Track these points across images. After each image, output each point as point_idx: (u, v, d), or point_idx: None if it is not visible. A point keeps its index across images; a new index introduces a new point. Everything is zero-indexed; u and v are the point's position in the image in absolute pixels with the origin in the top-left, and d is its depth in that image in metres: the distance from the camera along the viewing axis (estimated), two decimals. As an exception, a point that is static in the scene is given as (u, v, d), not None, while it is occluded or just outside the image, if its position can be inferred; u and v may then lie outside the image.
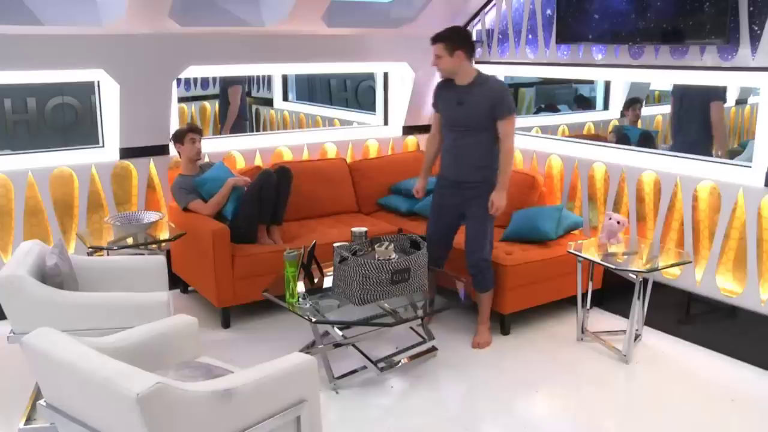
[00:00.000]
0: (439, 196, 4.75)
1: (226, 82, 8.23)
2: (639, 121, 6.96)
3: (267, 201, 5.09)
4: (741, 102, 8.17)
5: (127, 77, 5.19)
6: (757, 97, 4.66)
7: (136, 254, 4.69)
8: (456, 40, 4.41)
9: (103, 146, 5.50)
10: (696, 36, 4.54)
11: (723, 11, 4.36)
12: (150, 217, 5.05)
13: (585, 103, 8.67)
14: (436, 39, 4.43)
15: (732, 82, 5.83)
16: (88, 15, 4.76)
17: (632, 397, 4.28)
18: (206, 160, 5.43)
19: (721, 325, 4.76)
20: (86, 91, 7.34)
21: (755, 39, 4.34)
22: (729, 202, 4.58)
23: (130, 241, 4.83)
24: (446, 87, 4.60)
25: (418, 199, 5.18)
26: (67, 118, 7.95)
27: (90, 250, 4.69)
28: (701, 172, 4.78)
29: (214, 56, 5.61)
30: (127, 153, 5.45)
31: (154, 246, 4.95)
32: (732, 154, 6.63)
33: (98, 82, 5.32)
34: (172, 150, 5.61)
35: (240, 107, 8.23)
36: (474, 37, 6.32)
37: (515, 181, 5.61)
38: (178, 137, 5.24)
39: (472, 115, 4.44)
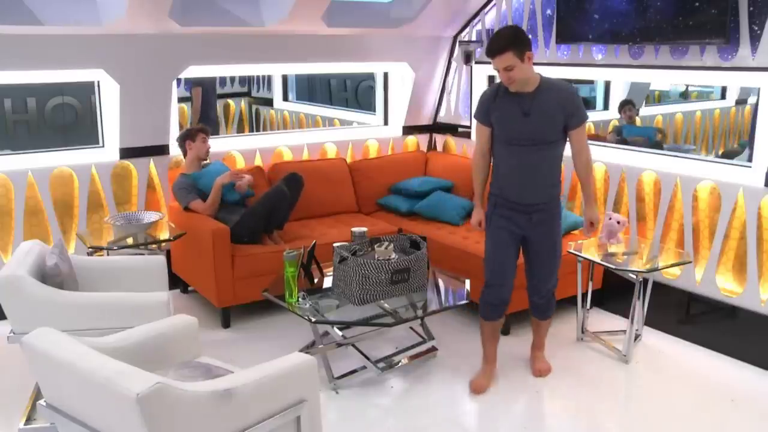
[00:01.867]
0: (498, 223, 4.02)
1: (192, 84, 8.17)
2: (633, 121, 6.97)
3: (275, 217, 5.10)
4: (741, 102, 8.18)
5: (127, 77, 5.20)
6: (756, 98, 4.65)
7: (136, 254, 4.70)
8: (523, 41, 3.71)
9: (103, 146, 5.50)
10: (696, 36, 4.54)
11: (723, 11, 4.36)
12: (150, 217, 5.05)
13: (585, 103, 8.66)
14: (502, 48, 3.65)
15: (732, 82, 5.83)
16: (88, 15, 4.76)
17: (632, 397, 4.28)
18: (208, 160, 5.43)
19: (721, 325, 4.76)
20: (86, 91, 7.34)
21: (755, 39, 4.34)
22: (729, 202, 4.58)
23: (130, 241, 4.83)
24: (503, 96, 3.87)
25: (468, 221, 4.54)
26: (67, 118, 7.95)
27: (90, 250, 4.70)
28: (701, 172, 4.78)
29: (214, 56, 5.61)
30: (127, 153, 5.45)
31: (154, 246, 4.95)
32: (731, 154, 6.63)
33: (98, 82, 5.32)
34: (172, 150, 5.62)
35: (203, 109, 8.12)
36: (474, 38, 6.34)
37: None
38: (192, 135, 5.25)
39: (542, 128, 3.82)
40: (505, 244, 4.02)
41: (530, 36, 5.76)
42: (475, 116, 4.08)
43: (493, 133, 3.98)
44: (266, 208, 5.05)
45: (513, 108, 3.82)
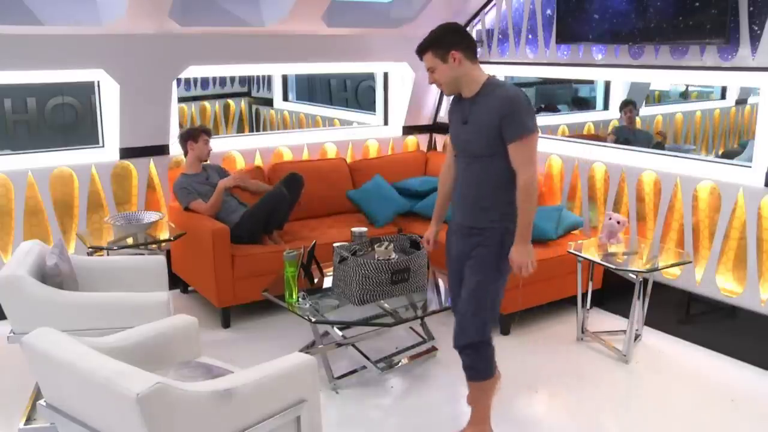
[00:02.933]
0: (447, 244, 3.63)
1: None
2: (634, 122, 6.97)
3: (275, 219, 5.10)
4: (741, 102, 8.18)
5: (127, 77, 5.19)
6: (756, 97, 4.66)
7: (136, 254, 4.70)
8: (446, 39, 3.30)
9: (103, 146, 5.50)
10: (696, 36, 4.54)
11: (723, 11, 4.35)
12: (150, 217, 5.05)
13: (581, 104, 8.68)
14: (421, 49, 3.33)
15: (732, 82, 5.83)
16: (88, 15, 4.77)
17: (632, 397, 4.28)
18: (208, 161, 5.42)
19: (721, 325, 4.76)
20: (86, 91, 7.35)
21: (755, 39, 4.34)
22: (729, 202, 4.58)
23: (130, 241, 4.83)
24: (455, 103, 3.46)
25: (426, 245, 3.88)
26: (67, 118, 7.95)
27: (90, 250, 4.70)
28: (701, 172, 4.77)
29: (214, 56, 5.61)
30: (127, 153, 5.45)
31: (154, 246, 4.95)
32: (732, 155, 6.63)
33: (98, 82, 5.32)
34: (173, 150, 5.62)
35: None
36: (474, 38, 6.33)
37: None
38: (194, 135, 5.25)
39: (475, 138, 3.29)
40: (450, 269, 3.61)
41: (530, 36, 5.80)
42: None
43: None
44: (265, 210, 5.06)
45: (456, 115, 3.41)
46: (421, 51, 3.34)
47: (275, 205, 5.08)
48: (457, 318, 3.44)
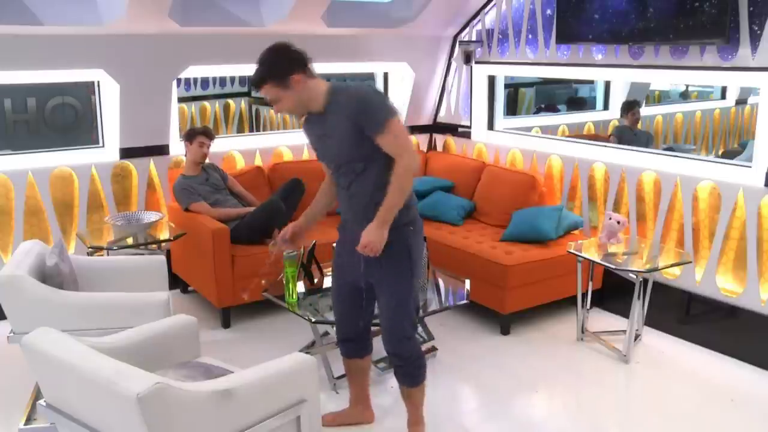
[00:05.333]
0: (338, 258, 3.50)
1: None
2: (639, 122, 6.97)
3: (270, 228, 5.09)
4: (741, 102, 8.18)
5: (127, 77, 5.20)
6: (756, 97, 4.66)
7: (136, 254, 4.70)
8: (281, 66, 3.12)
9: (103, 146, 5.50)
10: (696, 36, 4.54)
11: (723, 11, 4.35)
12: (150, 217, 5.05)
13: (578, 105, 8.68)
14: (257, 82, 3.12)
15: (732, 82, 5.83)
16: (88, 15, 4.77)
17: (632, 397, 4.28)
18: (207, 161, 5.41)
19: (721, 325, 4.76)
20: (86, 91, 7.34)
21: (755, 39, 4.34)
22: (729, 202, 4.58)
23: (130, 241, 4.83)
24: (308, 123, 3.29)
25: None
26: (67, 118, 7.95)
27: (90, 250, 4.70)
28: (701, 172, 4.77)
29: (214, 56, 5.61)
30: (127, 153, 5.45)
31: (154, 246, 4.95)
32: (732, 155, 6.63)
33: (98, 82, 5.32)
34: (173, 150, 5.62)
35: None
36: (474, 38, 6.34)
37: (515, 181, 5.66)
38: (189, 136, 5.24)
39: (341, 149, 3.15)
40: (339, 285, 3.51)
41: (530, 36, 5.80)
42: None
43: None
44: (260, 220, 5.06)
45: (314, 134, 3.27)
46: (258, 84, 3.11)
47: (271, 215, 5.08)
48: (383, 322, 3.36)
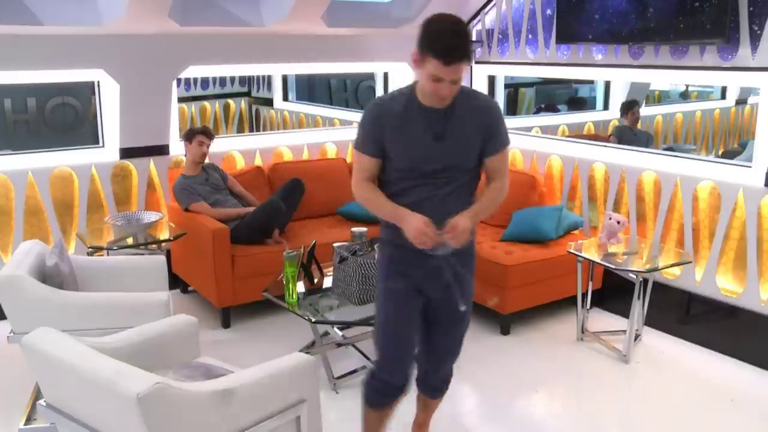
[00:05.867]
0: (397, 283, 2.95)
1: None
2: (639, 122, 6.97)
3: (270, 228, 5.10)
4: (741, 102, 8.18)
5: (127, 77, 5.20)
6: (756, 97, 4.66)
7: (136, 254, 4.70)
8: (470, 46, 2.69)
9: (103, 146, 5.50)
10: (696, 36, 4.54)
11: (723, 11, 4.35)
12: (150, 217, 5.05)
13: (578, 105, 8.69)
14: (462, 58, 2.58)
15: (732, 82, 5.83)
16: (88, 15, 4.77)
17: (632, 397, 4.28)
18: (207, 161, 5.41)
19: (721, 325, 4.76)
20: (86, 91, 7.35)
21: (755, 39, 4.34)
22: (729, 202, 4.58)
23: (130, 241, 4.84)
24: (403, 115, 2.78)
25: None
26: (67, 118, 7.95)
27: (90, 250, 4.70)
28: (701, 172, 4.77)
29: (214, 56, 5.61)
30: (127, 153, 5.45)
31: (154, 246, 4.95)
32: (732, 155, 6.62)
33: (98, 82, 5.33)
34: (173, 150, 5.62)
35: None
36: (474, 38, 6.34)
37: (515, 181, 5.63)
38: (189, 136, 5.24)
39: (459, 155, 2.81)
40: (398, 309, 2.97)
41: (530, 36, 5.80)
42: (360, 143, 2.84)
43: (386, 161, 2.84)
44: (260, 220, 5.06)
45: (419, 129, 2.77)
46: (461, 59, 2.59)
47: (270, 216, 5.08)
48: (449, 342, 3.13)
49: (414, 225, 2.67)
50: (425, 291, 2.94)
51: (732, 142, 8.29)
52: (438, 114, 2.76)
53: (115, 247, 4.68)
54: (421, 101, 2.76)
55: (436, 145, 2.77)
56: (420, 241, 2.66)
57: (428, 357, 3.17)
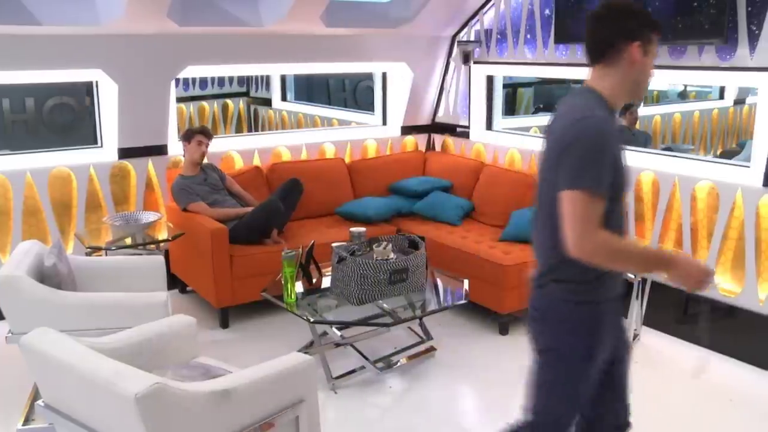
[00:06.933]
0: (604, 350, 2.59)
1: None
2: (637, 122, 6.97)
3: (269, 228, 5.09)
4: (739, 102, 8.18)
5: (126, 77, 5.19)
6: (755, 97, 4.66)
7: (135, 254, 4.69)
8: None
9: (101, 146, 5.50)
10: (694, 36, 4.54)
11: (721, 11, 4.35)
12: (148, 217, 5.05)
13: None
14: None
15: (730, 82, 5.82)
16: (86, 15, 4.76)
17: (631, 397, 4.27)
18: (205, 161, 5.41)
19: (720, 324, 4.76)
20: (84, 92, 7.35)
21: (753, 39, 4.34)
22: (727, 202, 4.58)
23: (128, 241, 4.83)
24: (618, 132, 2.44)
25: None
26: (65, 118, 7.95)
27: (88, 250, 4.70)
28: (699, 172, 4.78)
29: (213, 56, 5.61)
30: (125, 153, 5.45)
31: (152, 246, 4.95)
32: (730, 155, 6.62)
33: (96, 82, 5.32)
34: (171, 150, 5.62)
35: None
36: (472, 38, 6.35)
37: (514, 181, 5.66)
38: (187, 136, 5.24)
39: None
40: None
41: (528, 36, 5.81)
42: (596, 182, 2.20)
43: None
44: (259, 220, 5.07)
45: (619, 143, 2.37)
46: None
47: (269, 215, 5.09)
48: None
49: (695, 265, 2.33)
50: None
51: (730, 142, 8.30)
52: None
53: (113, 248, 4.68)
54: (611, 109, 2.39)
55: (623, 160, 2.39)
56: (703, 282, 2.32)
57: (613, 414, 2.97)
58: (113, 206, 5.46)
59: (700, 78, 5.11)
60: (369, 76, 7.41)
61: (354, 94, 9.94)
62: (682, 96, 8.69)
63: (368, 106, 7.82)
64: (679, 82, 7.78)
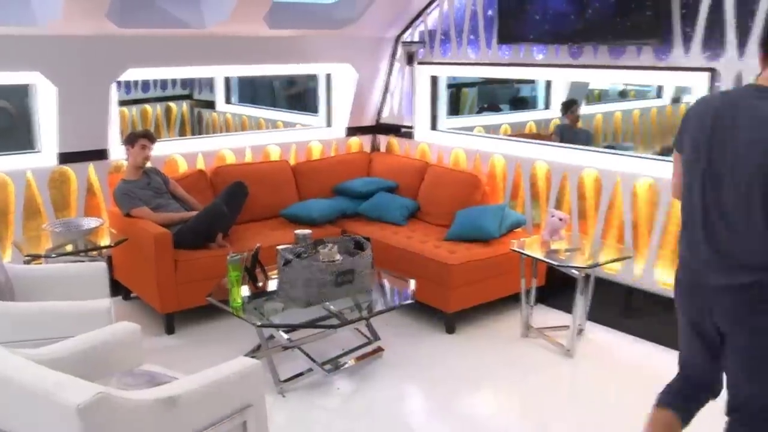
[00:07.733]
0: None
1: None
2: (579, 121, 7.09)
3: (213, 233, 5.05)
4: (676, 101, 8.39)
5: (65, 80, 5.08)
6: (690, 96, 4.79)
7: (76, 261, 4.60)
8: None
9: (39, 151, 5.37)
10: (633, 37, 4.65)
11: (657, 14, 4.47)
12: (90, 223, 4.95)
13: (520, 104, 8.82)
14: None
15: (667, 82, 5.96)
16: (22, 15, 4.64)
17: (576, 390, 4.35)
18: (149, 164, 5.33)
19: (661, 317, 4.86)
20: (21, 94, 7.17)
21: (688, 40, 4.46)
22: (666, 198, 4.68)
23: (69, 248, 4.73)
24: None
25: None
26: (1, 123, 7.75)
27: (27, 258, 4.58)
28: (640, 169, 4.88)
29: (154, 58, 5.53)
30: (65, 158, 5.33)
31: (94, 252, 4.85)
32: (668, 151, 6.75)
33: (34, 85, 5.20)
34: (113, 154, 5.52)
35: None
36: (416, 38, 6.38)
37: (458, 180, 5.71)
38: (131, 140, 5.16)
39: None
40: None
41: (471, 37, 5.86)
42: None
43: None
44: (204, 225, 5.02)
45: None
46: None
47: (213, 220, 5.04)
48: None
49: None
50: None
51: (668, 140, 8.49)
52: None
53: (53, 255, 4.58)
54: None
55: None
56: None
57: None
58: (53, 212, 5.34)
59: (639, 77, 5.23)
60: (313, 78, 7.38)
61: (300, 96, 9.92)
62: (623, 95, 8.87)
63: (314, 109, 7.78)
64: (618, 81, 7.93)
